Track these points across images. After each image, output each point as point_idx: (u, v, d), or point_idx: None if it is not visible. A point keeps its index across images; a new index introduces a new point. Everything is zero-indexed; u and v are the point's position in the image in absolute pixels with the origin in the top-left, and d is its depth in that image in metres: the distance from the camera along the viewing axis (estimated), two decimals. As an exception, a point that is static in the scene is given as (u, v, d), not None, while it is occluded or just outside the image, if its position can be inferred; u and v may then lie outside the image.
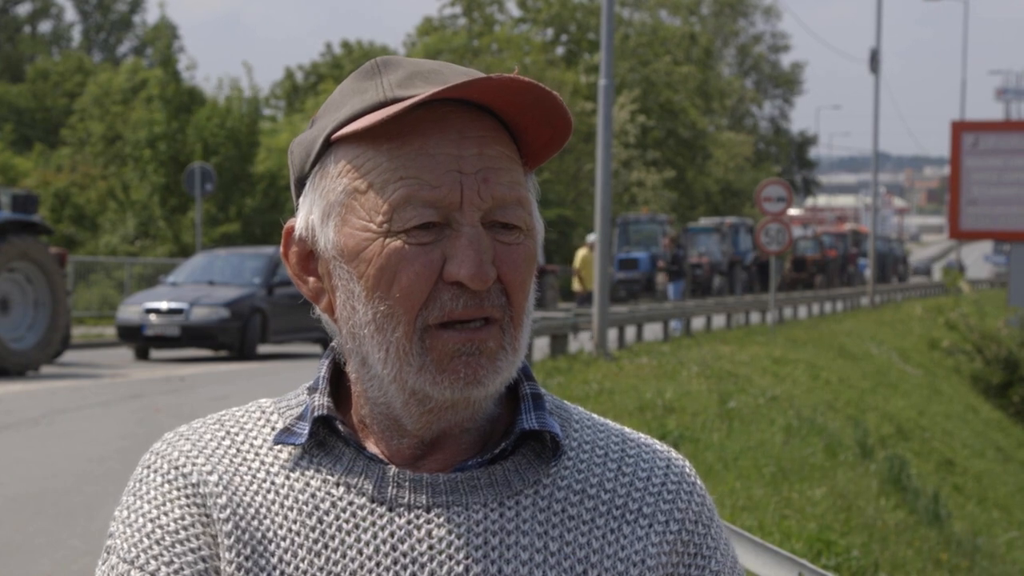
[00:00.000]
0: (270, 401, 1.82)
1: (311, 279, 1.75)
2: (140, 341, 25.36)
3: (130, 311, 25.53)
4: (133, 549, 1.70)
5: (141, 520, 1.71)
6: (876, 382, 25.96)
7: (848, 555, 10.23)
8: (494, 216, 1.67)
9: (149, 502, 1.72)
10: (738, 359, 23.21)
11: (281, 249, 1.77)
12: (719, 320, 36.47)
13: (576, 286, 34.25)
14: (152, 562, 1.68)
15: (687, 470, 1.82)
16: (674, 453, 1.84)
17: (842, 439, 16.36)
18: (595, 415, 1.86)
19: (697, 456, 12.51)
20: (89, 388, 19.06)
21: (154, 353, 25.99)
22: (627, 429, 1.85)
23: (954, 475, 19.66)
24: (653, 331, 30.26)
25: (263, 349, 26.16)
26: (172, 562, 1.68)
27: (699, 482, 1.82)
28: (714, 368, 20.63)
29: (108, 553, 1.73)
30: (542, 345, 23.25)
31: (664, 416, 15.32)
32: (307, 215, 1.73)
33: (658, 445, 1.84)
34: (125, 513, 1.73)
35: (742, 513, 10.70)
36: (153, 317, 25.03)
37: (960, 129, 27.47)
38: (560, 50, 69.27)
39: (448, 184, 1.64)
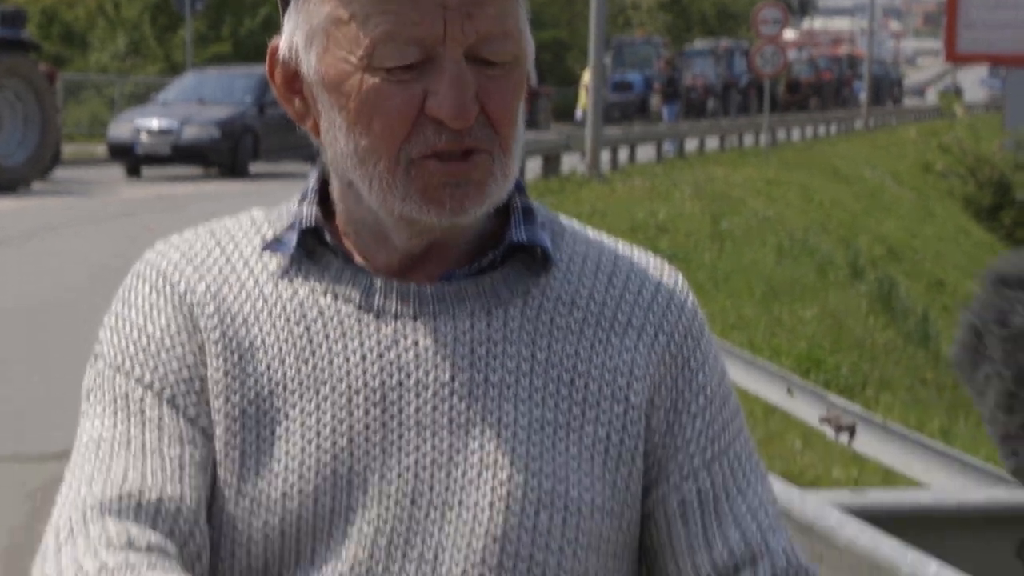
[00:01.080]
0: (262, 211, 1.81)
1: (296, 99, 1.71)
2: (131, 159, 25.29)
3: (121, 129, 25.43)
4: (120, 355, 1.69)
5: (129, 327, 1.71)
6: (869, 204, 26.00)
7: (837, 372, 10.33)
8: (479, 51, 1.62)
9: (137, 310, 1.71)
10: (731, 181, 23.22)
11: (267, 68, 1.74)
12: (713, 142, 36.38)
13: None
14: (138, 368, 1.68)
15: (680, 283, 1.80)
16: (668, 267, 1.82)
17: (833, 260, 16.43)
18: (589, 229, 1.83)
19: (689, 276, 12.47)
20: (81, 206, 19.05)
21: (145, 171, 25.93)
22: (621, 243, 1.82)
23: (944, 296, 19.76)
24: (647, 153, 30.19)
25: (255, 168, 26.10)
26: (158, 368, 1.67)
27: (691, 296, 1.80)
28: (707, 189, 20.65)
29: (96, 359, 1.72)
30: (534, 167, 23.21)
31: (656, 236, 15.36)
32: (291, 36, 1.69)
33: (652, 258, 1.81)
34: (113, 320, 1.73)
35: (733, 331, 10.77)
36: (144, 136, 24.93)
37: (960, -50, 27.13)
38: None
39: (431, 19, 1.60)
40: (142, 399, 1.67)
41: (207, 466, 1.66)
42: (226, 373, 1.67)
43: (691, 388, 1.73)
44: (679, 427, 1.72)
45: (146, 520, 1.59)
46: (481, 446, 1.65)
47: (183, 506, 1.61)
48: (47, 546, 1.58)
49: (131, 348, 1.69)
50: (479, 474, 1.65)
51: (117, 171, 26.07)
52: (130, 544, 1.56)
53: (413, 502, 1.64)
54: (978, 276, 1.32)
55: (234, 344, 1.68)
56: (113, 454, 1.65)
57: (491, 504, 1.64)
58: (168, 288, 1.71)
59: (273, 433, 1.66)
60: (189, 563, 1.60)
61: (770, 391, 6.98)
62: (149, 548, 1.56)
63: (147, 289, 1.73)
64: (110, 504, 1.60)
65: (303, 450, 1.65)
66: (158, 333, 1.69)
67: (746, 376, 6.99)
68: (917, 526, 3.63)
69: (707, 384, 1.74)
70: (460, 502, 1.64)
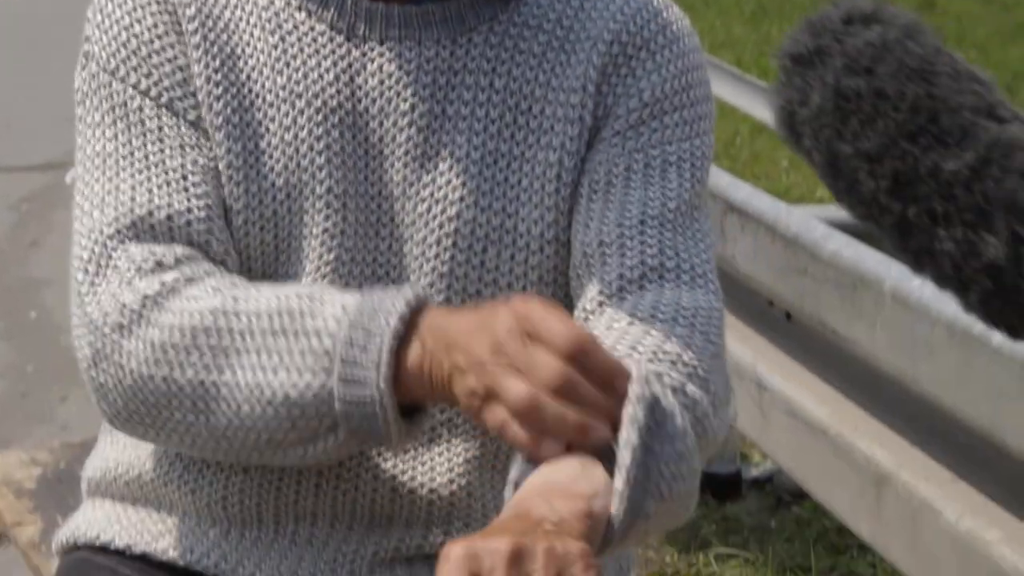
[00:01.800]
0: None
1: None
2: None
3: None
4: (112, 59, 1.67)
5: (116, 28, 1.68)
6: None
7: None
8: None
9: (121, 7, 1.68)
10: None
11: None
12: None
13: None
14: (132, 74, 1.66)
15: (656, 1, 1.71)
16: None
17: (825, -22, 16.21)
18: None
19: (677, -8, 12.39)
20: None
21: None
22: None
23: (934, 16, 19.55)
24: None
25: None
26: (151, 74, 1.66)
27: (672, 10, 1.72)
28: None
29: (87, 60, 1.70)
30: None
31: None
32: None
33: None
34: (99, 18, 1.70)
35: (721, 49, 10.67)
36: None
37: None
38: None
39: None
40: (140, 108, 1.66)
41: (213, 168, 1.65)
42: (208, 79, 1.65)
43: (629, 93, 1.67)
44: (601, 131, 1.67)
45: (164, 239, 1.61)
46: (433, 180, 1.65)
47: (192, 217, 1.62)
48: (79, 284, 1.59)
49: (122, 52, 1.67)
50: (428, 209, 1.65)
51: None
52: (160, 265, 1.58)
53: (377, 233, 1.65)
54: (773, 57, 1.31)
55: (215, 49, 1.66)
56: (119, 170, 1.64)
57: (438, 240, 1.65)
58: None
59: (257, 147, 1.65)
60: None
61: (757, 109, 6.92)
62: (178, 261, 1.58)
63: None
64: (126, 232, 1.60)
65: (286, 167, 1.65)
66: (146, 35, 1.67)
67: (733, 93, 6.92)
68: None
69: (646, 90, 1.67)
70: (412, 237, 1.65)
